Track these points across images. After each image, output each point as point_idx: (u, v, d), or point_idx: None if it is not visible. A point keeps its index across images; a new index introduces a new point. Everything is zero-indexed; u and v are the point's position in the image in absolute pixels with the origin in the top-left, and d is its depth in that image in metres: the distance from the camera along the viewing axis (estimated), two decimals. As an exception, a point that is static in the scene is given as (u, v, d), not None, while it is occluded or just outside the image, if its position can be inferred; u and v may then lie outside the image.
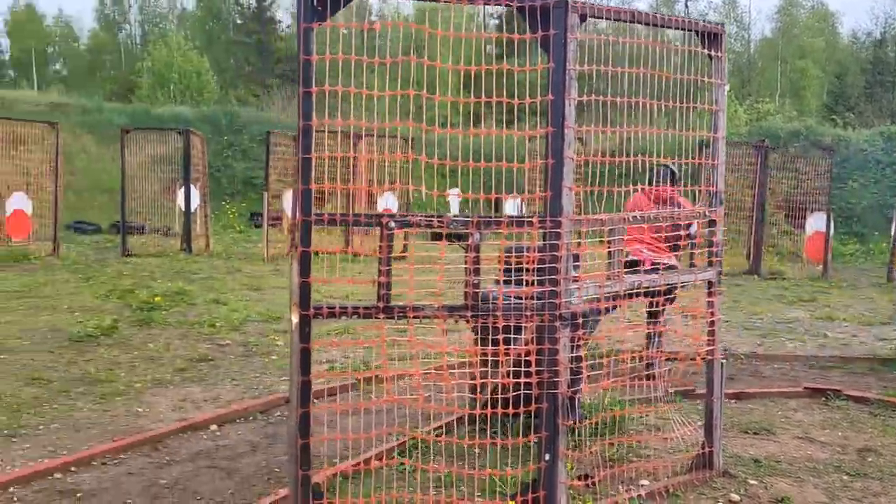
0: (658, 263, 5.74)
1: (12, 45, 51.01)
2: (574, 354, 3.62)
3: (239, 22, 48.58)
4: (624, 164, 3.75)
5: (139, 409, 5.38)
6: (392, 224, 3.40)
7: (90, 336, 7.63)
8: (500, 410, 3.67)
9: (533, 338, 3.92)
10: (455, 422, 4.97)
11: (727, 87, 3.98)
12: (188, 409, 5.44)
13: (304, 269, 3.33)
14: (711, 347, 4.07)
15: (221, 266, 13.39)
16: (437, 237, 12.95)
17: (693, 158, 4.01)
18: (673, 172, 6.23)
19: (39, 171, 13.26)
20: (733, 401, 5.55)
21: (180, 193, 16.34)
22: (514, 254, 3.89)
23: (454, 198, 19.49)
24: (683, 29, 3.84)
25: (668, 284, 3.91)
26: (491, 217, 3.49)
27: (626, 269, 4.46)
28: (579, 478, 3.97)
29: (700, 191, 4.08)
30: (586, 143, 15.43)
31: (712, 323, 4.06)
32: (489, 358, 3.98)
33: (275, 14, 48.85)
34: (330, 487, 3.81)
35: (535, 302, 3.48)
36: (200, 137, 15.51)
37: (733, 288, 12.22)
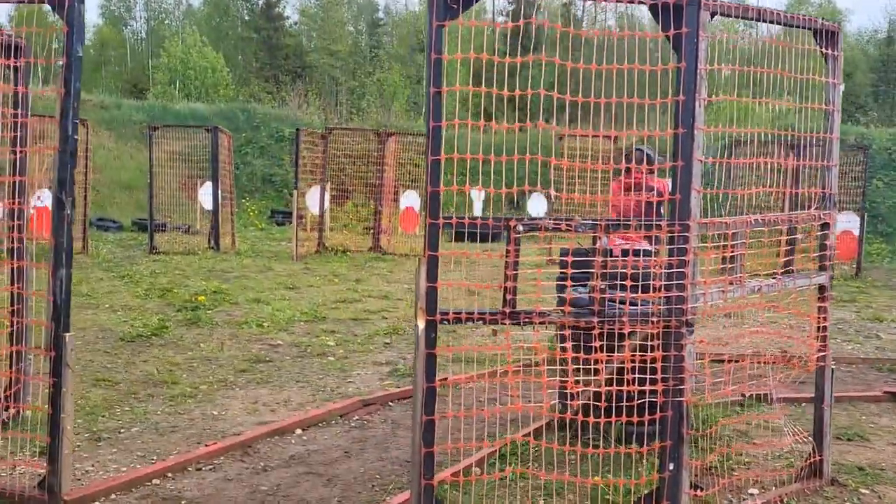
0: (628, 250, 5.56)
1: (18, 41, 50.68)
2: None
3: (247, 18, 48.44)
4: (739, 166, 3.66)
5: (214, 412, 5.30)
6: (520, 228, 3.31)
7: (141, 336, 7.55)
8: (609, 418, 3.58)
9: (646, 345, 3.84)
10: (544, 428, 4.87)
11: (842, 87, 3.90)
12: (262, 412, 5.36)
13: (432, 274, 3.24)
14: (823, 353, 3.99)
15: (251, 265, 13.30)
16: (461, 237, 12.71)
17: (803, 158, 3.91)
18: (648, 155, 5.97)
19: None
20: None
21: (202, 191, 16.24)
22: (608, 258, 3.75)
23: (476, 195, 19.37)
24: (804, 27, 3.75)
25: (785, 289, 3.83)
26: (619, 220, 3.40)
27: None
28: (691, 487, 3.90)
29: (813, 193, 3.99)
30: (616, 141, 15.32)
31: (824, 328, 3.97)
32: (589, 365, 3.88)
33: (283, 10, 48.73)
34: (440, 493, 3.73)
35: (660, 308, 3.40)
36: (228, 135, 15.42)
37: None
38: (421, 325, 3.26)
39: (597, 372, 3.97)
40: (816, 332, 3.99)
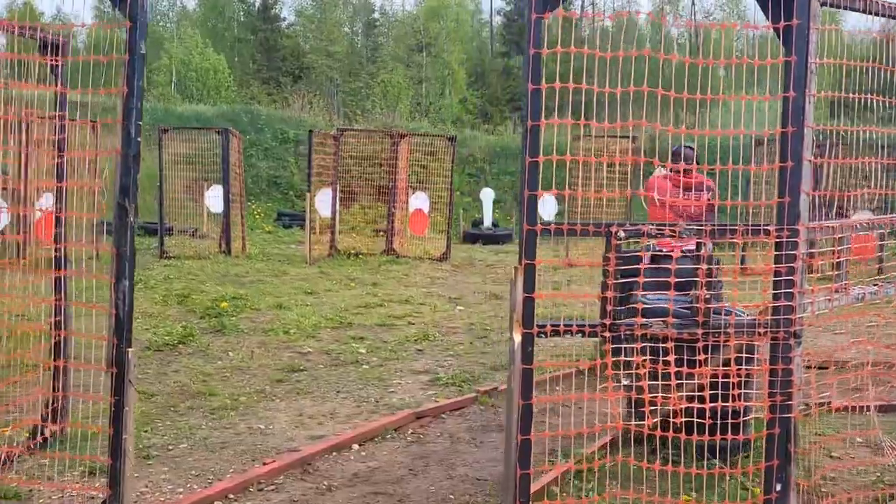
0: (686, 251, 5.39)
1: (13, 43, 50.24)
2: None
3: (243, 19, 48.06)
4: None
5: (261, 426, 5.07)
6: (622, 234, 3.10)
7: (168, 345, 7.32)
8: (709, 436, 3.37)
9: (736, 357, 3.64)
10: (609, 444, 4.65)
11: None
12: (310, 424, 5.14)
13: (529, 284, 3.03)
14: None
15: (265, 269, 13.05)
16: (473, 239, 12.54)
17: None
18: (695, 152, 5.80)
19: (76, 171, 12.86)
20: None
21: (209, 194, 15.97)
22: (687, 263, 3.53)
23: (487, 195, 19.13)
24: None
25: (886, 297, 3.63)
26: (725, 225, 3.19)
27: (653, 264, 4.15)
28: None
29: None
30: (636, 140, 15.15)
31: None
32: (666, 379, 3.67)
33: (280, 11, 48.40)
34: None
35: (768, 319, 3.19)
36: (238, 137, 15.17)
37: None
38: (517, 338, 3.05)
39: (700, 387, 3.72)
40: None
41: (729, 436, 3.44)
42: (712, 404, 3.31)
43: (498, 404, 5.59)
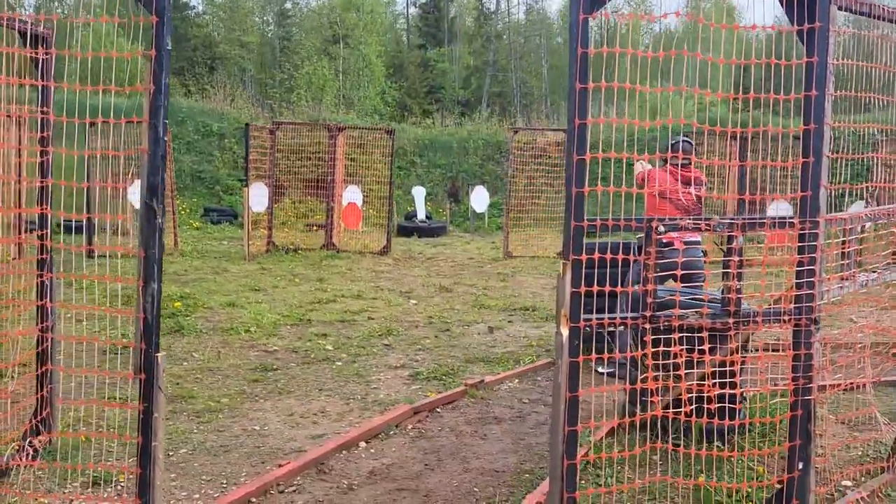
0: (689, 241, 5.66)
1: None
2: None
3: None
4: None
5: (255, 427, 4.99)
6: (661, 228, 3.19)
7: (127, 348, 7.06)
8: (719, 419, 3.53)
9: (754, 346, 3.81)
10: (614, 429, 4.78)
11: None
12: (304, 424, 5.09)
13: (577, 279, 3.09)
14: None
15: (203, 266, 12.72)
16: (408, 232, 12.72)
17: None
18: (693, 146, 6.05)
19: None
20: None
21: (132, 189, 15.40)
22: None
23: (419, 192, 19.16)
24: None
25: (885, 283, 3.86)
26: (754, 218, 3.33)
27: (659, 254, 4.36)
28: (779, 482, 3.90)
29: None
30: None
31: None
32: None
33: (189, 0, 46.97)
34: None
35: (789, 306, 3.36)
36: (167, 129, 14.69)
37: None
38: (565, 332, 3.11)
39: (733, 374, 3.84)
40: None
41: (727, 420, 3.62)
42: (719, 390, 3.45)
43: (487, 397, 5.66)
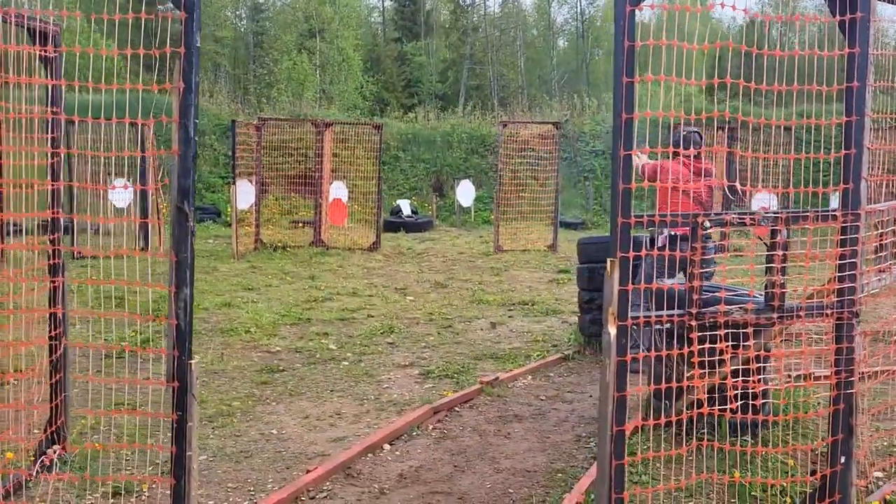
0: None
1: None
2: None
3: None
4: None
5: (273, 431, 4.89)
6: (707, 224, 3.15)
7: (134, 353, 6.92)
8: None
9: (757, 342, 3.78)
10: (639, 427, 4.73)
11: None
12: (322, 427, 5.00)
13: (624, 277, 3.03)
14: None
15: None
16: (395, 228, 12.59)
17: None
18: (702, 137, 6.02)
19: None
20: None
21: (111, 191, 15.15)
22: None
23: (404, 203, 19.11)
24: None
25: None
26: (798, 212, 3.30)
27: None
28: (812, 473, 3.88)
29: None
30: (559, 126, 15.37)
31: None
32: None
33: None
34: None
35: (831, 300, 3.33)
36: (150, 126, 14.46)
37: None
38: (612, 331, 3.05)
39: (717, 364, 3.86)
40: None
41: (753, 416, 3.60)
42: (744, 384, 3.42)
43: (504, 395, 5.60)
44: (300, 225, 16.59)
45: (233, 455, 4.45)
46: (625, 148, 3.00)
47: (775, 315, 3.31)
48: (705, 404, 3.35)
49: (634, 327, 3.13)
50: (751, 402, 3.60)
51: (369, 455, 4.37)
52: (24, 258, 4.28)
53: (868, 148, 3.31)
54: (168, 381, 3.25)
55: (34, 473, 3.92)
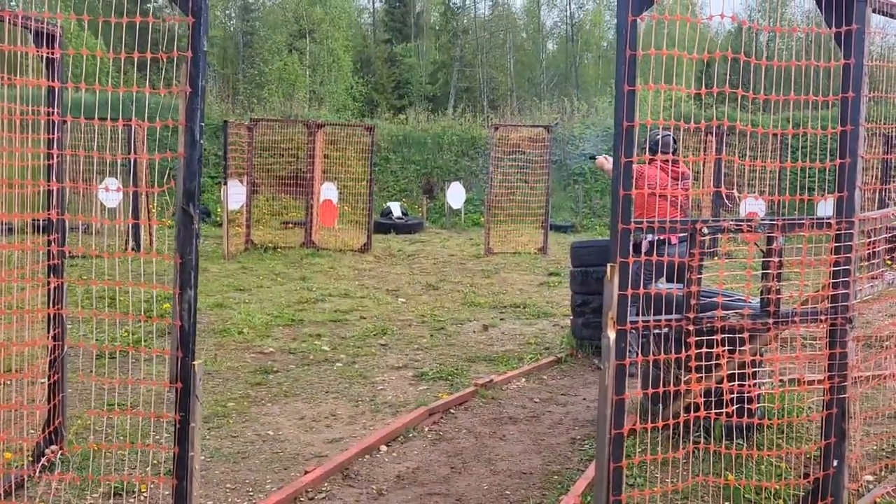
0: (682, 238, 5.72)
1: None
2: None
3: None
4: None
5: (269, 433, 4.91)
6: (705, 230, 3.20)
7: (121, 352, 6.92)
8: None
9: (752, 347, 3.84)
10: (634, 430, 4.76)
11: None
12: (318, 428, 5.02)
13: (624, 282, 3.08)
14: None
15: (182, 265, 12.51)
16: (385, 229, 12.67)
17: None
18: (675, 140, 6.03)
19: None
20: None
21: (102, 188, 15.09)
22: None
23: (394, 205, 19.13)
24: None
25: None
26: (794, 219, 3.36)
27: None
28: (804, 476, 3.95)
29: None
30: (550, 130, 15.44)
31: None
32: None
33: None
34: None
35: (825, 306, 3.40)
36: (143, 127, 14.44)
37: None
38: (612, 335, 3.10)
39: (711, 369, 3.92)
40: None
41: (746, 419, 3.66)
42: (739, 388, 3.48)
43: (498, 397, 5.64)
44: (291, 226, 16.60)
45: (230, 456, 4.47)
46: (626, 155, 3.05)
47: (771, 320, 3.37)
48: (701, 408, 3.41)
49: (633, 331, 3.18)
50: (745, 406, 3.66)
51: (366, 456, 4.40)
52: (17, 258, 4.28)
53: (862, 157, 3.38)
54: (171, 382, 3.28)
55: (35, 473, 3.93)
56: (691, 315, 3.24)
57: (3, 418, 4.02)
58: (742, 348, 3.55)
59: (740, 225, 3.27)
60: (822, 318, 3.41)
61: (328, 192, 16.08)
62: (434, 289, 10.85)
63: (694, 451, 3.96)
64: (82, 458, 4.36)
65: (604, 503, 3.18)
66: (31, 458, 4.18)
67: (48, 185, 4.36)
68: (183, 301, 3.20)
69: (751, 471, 4.07)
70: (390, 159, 22.13)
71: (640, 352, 4.77)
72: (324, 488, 3.96)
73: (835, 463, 3.48)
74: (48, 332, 4.32)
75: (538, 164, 15.96)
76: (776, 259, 3.33)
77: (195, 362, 3.24)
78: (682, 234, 5.70)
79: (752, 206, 15.72)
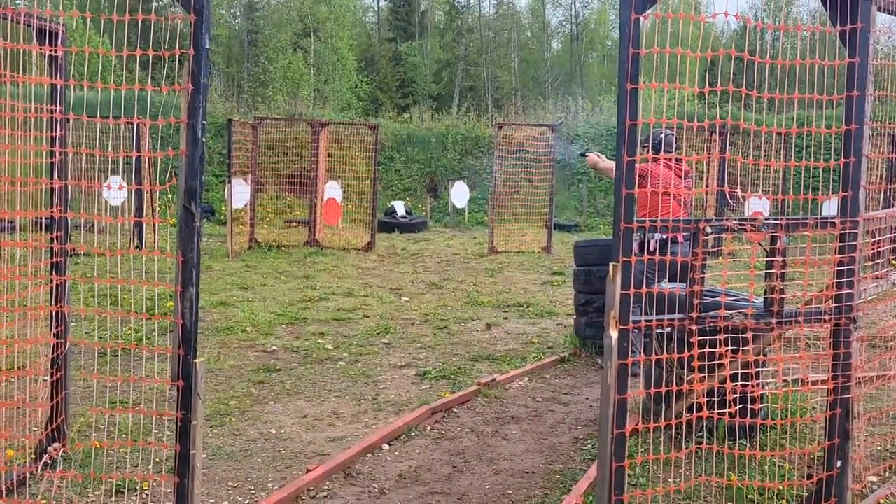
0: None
1: None
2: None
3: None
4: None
5: (272, 431, 4.91)
6: (708, 229, 3.19)
7: (125, 350, 6.93)
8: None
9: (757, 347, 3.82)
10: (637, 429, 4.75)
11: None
12: (320, 426, 5.02)
13: (626, 282, 3.07)
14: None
15: (186, 263, 12.52)
16: (389, 228, 12.62)
17: None
18: (676, 139, 6.03)
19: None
20: None
21: (108, 186, 15.13)
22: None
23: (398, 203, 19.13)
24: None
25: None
26: (798, 218, 3.34)
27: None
28: (808, 477, 3.93)
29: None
30: (554, 129, 15.42)
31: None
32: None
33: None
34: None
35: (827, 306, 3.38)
36: (145, 125, 14.46)
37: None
38: (614, 334, 3.09)
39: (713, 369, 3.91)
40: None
41: (748, 419, 3.65)
42: (743, 388, 3.47)
43: (501, 396, 5.63)
44: (295, 224, 16.60)
45: (232, 454, 4.47)
46: (628, 154, 3.04)
47: (774, 320, 3.36)
48: (704, 408, 3.40)
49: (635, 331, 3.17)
50: (749, 405, 3.65)
51: (368, 455, 4.40)
52: (20, 256, 4.29)
53: (866, 156, 3.36)
54: (173, 380, 3.27)
55: (37, 471, 3.93)
56: (694, 314, 3.23)
57: (6, 416, 4.03)
58: (745, 348, 3.53)
59: (744, 224, 3.25)
60: (826, 318, 3.39)
61: (332, 190, 16.08)
62: (437, 288, 10.84)
63: (697, 452, 3.94)
64: (84, 455, 4.36)
65: (606, 503, 3.18)
66: (33, 456, 4.19)
67: (51, 183, 4.34)
68: (185, 299, 3.20)
69: (754, 471, 4.06)
70: (394, 158, 22.14)
71: (642, 351, 4.77)
72: (326, 487, 3.96)
73: (838, 464, 3.46)
74: (51, 330, 4.32)
75: (542, 164, 15.94)
76: (780, 259, 3.32)
77: (197, 360, 3.24)
78: (686, 233, 5.70)
79: (757, 205, 15.73)
